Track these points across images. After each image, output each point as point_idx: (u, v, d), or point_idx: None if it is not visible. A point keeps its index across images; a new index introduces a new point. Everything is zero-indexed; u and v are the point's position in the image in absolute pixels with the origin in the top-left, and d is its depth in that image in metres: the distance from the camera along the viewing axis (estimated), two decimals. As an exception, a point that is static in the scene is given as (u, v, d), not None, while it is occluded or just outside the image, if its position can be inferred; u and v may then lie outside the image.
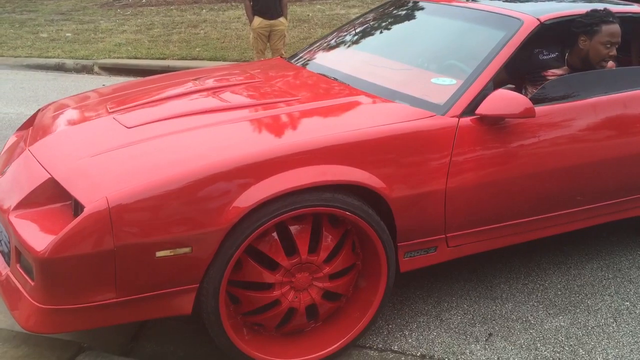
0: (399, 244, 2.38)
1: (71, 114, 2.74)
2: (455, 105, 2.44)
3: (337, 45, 3.40)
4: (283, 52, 6.35)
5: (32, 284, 1.96)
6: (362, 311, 2.38)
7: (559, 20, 2.79)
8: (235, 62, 7.57)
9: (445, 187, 2.36)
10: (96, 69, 8.00)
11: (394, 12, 3.43)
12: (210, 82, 2.96)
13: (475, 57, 2.62)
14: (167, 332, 2.53)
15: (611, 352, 2.41)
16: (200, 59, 8.15)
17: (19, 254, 2.04)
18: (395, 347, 2.44)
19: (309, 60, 3.26)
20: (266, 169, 2.05)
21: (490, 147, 2.45)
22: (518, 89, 3.00)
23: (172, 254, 1.97)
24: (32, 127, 2.72)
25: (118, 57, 8.29)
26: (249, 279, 2.16)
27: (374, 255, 2.33)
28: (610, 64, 2.93)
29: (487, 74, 2.52)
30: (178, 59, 8.16)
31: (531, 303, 2.73)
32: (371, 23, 3.44)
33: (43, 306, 1.94)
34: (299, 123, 2.47)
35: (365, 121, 2.38)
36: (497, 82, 2.86)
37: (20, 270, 2.03)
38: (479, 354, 2.40)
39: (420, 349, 2.43)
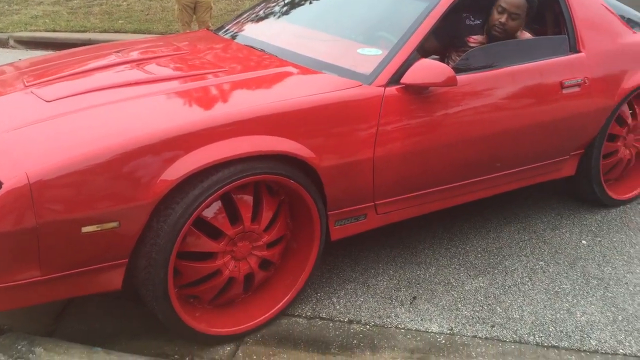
0: (329, 213, 2.44)
1: None
2: (380, 75, 2.48)
3: (264, 17, 3.36)
4: (210, 25, 6.22)
5: None
6: (293, 279, 2.44)
7: None
8: (161, 35, 7.36)
9: (373, 156, 2.42)
10: (12, 42, 7.60)
11: None
12: (134, 54, 2.88)
13: (399, 27, 2.67)
14: (93, 310, 2.48)
15: (526, 309, 2.55)
16: (123, 32, 7.87)
17: None
18: (324, 314, 2.50)
19: (236, 32, 3.22)
20: (194, 141, 2.03)
21: (416, 116, 2.51)
22: (445, 57, 3.08)
23: (99, 229, 1.94)
24: None
25: (35, 30, 7.90)
26: (193, 249, 2.16)
27: (306, 224, 2.38)
28: (527, 35, 3.04)
29: (410, 43, 2.57)
30: (100, 32, 7.86)
31: (453, 266, 2.85)
32: None
33: None
34: (227, 94, 2.44)
35: (293, 92, 2.40)
36: (429, 50, 2.94)
37: None
38: (403, 316, 2.49)
39: (348, 315, 2.49)
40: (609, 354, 2.31)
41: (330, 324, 2.44)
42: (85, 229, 1.92)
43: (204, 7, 6.12)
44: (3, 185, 1.84)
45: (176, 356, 2.25)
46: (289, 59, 2.70)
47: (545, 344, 2.35)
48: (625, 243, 3.07)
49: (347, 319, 2.47)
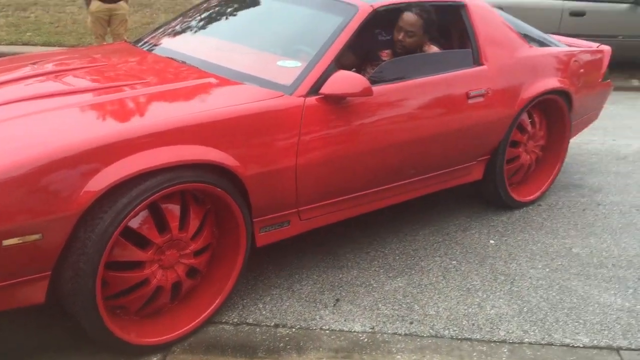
0: (254, 220, 2.52)
1: None
2: (300, 85, 2.59)
3: (184, 30, 3.39)
4: (125, 37, 6.14)
5: None
6: (220, 286, 2.49)
7: (391, 7, 3.07)
8: (75, 47, 7.17)
9: (295, 164, 2.51)
10: None
11: None
12: (51, 66, 2.84)
13: (317, 41, 2.80)
14: (8, 325, 2.42)
15: (441, 305, 2.72)
16: (32, 45, 7.59)
17: None
18: (250, 319, 2.55)
19: (155, 44, 3.23)
20: (118, 151, 2.04)
21: (335, 125, 2.64)
22: (361, 70, 3.22)
23: (20, 241, 1.91)
24: None
25: None
26: (121, 259, 2.16)
27: (232, 231, 2.45)
28: (434, 48, 3.25)
29: (328, 56, 2.70)
30: (6, 45, 7.54)
31: (373, 269, 2.98)
32: (217, 8, 3.46)
33: None
34: (151, 105, 2.47)
35: (217, 102, 2.47)
36: (346, 63, 3.08)
37: None
38: (327, 318, 2.59)
39: (274, 319, 2.56)
40: (515, 343, 2.50)
41: (257, 329, 2.50)
42: (6, 242, 1.89)
43: (119, 19, 6.03)
44: None
45: (102, 369, 2.23)
46: (210, 71, 2.75)
47: (459, 337, 2.52)
48: (528, 241, 3.32)
49: (273, 323, 2.54)
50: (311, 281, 2.85)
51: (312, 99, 2.58)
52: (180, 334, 2.37)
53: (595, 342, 2.52)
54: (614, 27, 6.84)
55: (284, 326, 2.53)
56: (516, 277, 2.96)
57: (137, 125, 2.19)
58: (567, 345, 2.49)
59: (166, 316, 2.39)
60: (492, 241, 3.30)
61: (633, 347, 2.49)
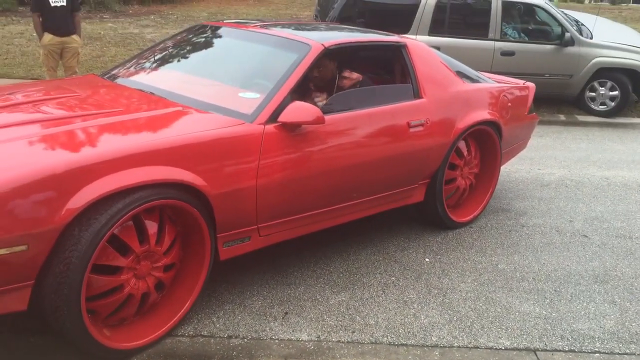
0: (218, 235, 2.77)
1: None
2: (260, 114, 2.88)
3: (151, 64, 3.66)
4: (77, 70, 6.29)
5: None
6: (183, 300, 2.74)
7: (340, 46, 3.43)
8: (24, 80, 7.25)
9: (255, 185, 2.79)
10: None
11: (202, 35, 3.86)
12: (31, 96, 3.05)
13: (275, 75, 3.11)
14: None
15: (380, 316, 2.99)
16: (-20, 76, 7.61)
17: None
18: (205, 332, 2.75)
19: (124, 76, 3.49)
20: (96, 172, 2.27)
21: (291, 150, 2.92)
22: (314, 102, 3.57)
23: (7, 252, 2.09)
24: None
25: None
26: (105, 262, 2.38)
27: (198, 248, 2.72)
28: (355, 74, 3.67)
29: (285, 88, 3.00)
30: (-46, 76, 7.54)
31: (319, 285, 3.23)
32: (182, 44, 3.80)
33: None
34: (126, 130, 2.68)
35: (186, 128, 2.73)
36: (305, 97, 3.46)
37: None
38: (277, 329, 2.81)
39: (227, 331, 2.77)
40: (446, 347, 2.79)
41: (212, 340, 2.70)
42: None
43: (71, 52, 6.17)
44: None
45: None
46: (177, 101, 3.00)
47: (396, 343, 2.79)
48: (460, 259, 3.65)
49: (226, 335, 2.75)
50: (261, 297, 3.08)
51: (270, 127, 2.86)
52: (146, 341, 2.58)
53: (515, 344, 2.83)
54: (541, 66, 7.42)
55: (236, 337, 2.74)
56: (448, 291, 3.26)
57: (114, 149, 2.40)
58: (491, 348, 2.79)
59: (131, 326, 2.60)
60: (427, 259, 3.61)
61: (548, 348, 2.82)
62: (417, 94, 3.64)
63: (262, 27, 3.68)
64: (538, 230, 4.15)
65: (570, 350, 2.81)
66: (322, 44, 3.27)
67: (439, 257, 3.66)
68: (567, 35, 7.36)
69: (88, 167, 2.25)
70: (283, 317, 2.91)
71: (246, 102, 2.96)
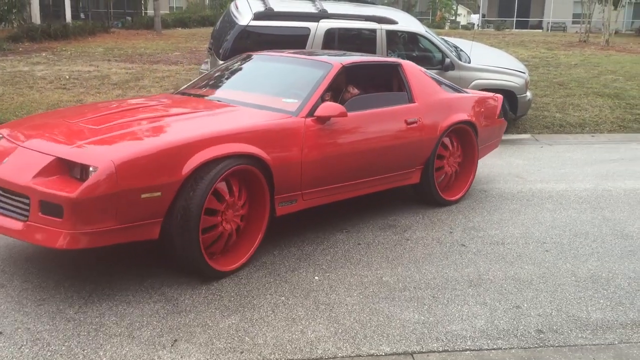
0: (275, 197, 3.93)
1: (42, 124, 3.88)
2: (302, 111, 4.15)
3: (211, 83, 4.98)
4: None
5: (61, 220, 3.09)
6: (251, 243, 3.88)
7: (354, 65, 4.79)
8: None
9: (300, 160, 3.98)
10: None
11: (248, 60, 5.20)
12: (153, 102, 4.48)
13: (308, 85, 4.39)
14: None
15: (269, 335, 3.10)
16: None
17: (42, 205, 3.13)
18: (91, 366, 2.75)
19: (194, 92, 4.78)
20: (200, 146, 3.46)
21: (324, 135, 4.15)
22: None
23: (150, 196, 3.25)
24: (10, 133, 3.72)
25: None
26: (209, 206, 3.50)
27: (261, 205, 3.88)
28: (355, 90, 4.95)
29: (317, 93, 4.31)
30: None
31: (210, 310, 3.30)
32: (233, 68, 5.15)
33: (74, 231, 3.09)
34: (214, 122, 3.90)
35: (252, 119, 3.96)
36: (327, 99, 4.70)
37: (45, 216, 3.13)
38: (165, 357, 2.86)
39: (115, 364, 2.78)
40: (330, 358, 2.93)
41: (98, 374, 2.70)
42: (143, 195, 3.23)
43: None
44: (100, 168, 3.12)
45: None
46: (242, 105, 4.24)
47: (283, 359, 2.90)
48: (347, 275, 3.83)
49: (113, 367, 2.76)
50: (150, 327, 3.11)
51: (309, 119, 4.12)
52: (231, 269, 3.73)
53: (394, 350, 3.02)
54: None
55: (124, 368, 2.75)
56: (335, 305, 3.43)
57: (209, 131, 3.60)
58: (372, 355, 2.97)
59: (218, 259, 3.71)
60: (316, 277, 3.77)
61: (424, 350, 3.03)
62: (411, 99, 4.95)
63: (294, 53, 5.12)
64: (421, 242, 4.43)
65: (444, 351, 3.03)
66: (341, 63, 4.60)
67: (328, 274, 3.83)
68: (447, 60, 7.91)
69: (195, 142, 3.45)
70: (172, 345, 2.96)
71: (289, 104, 4.21)
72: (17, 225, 3.23)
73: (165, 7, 34.12)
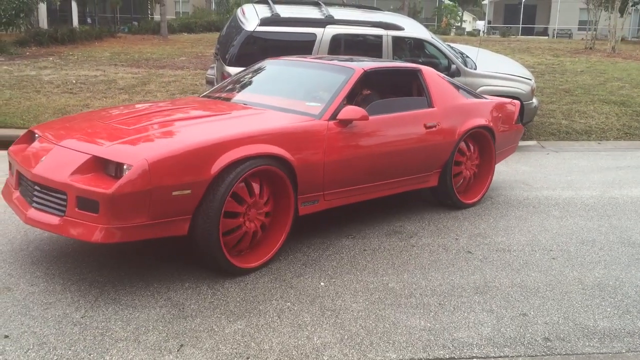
0: (299, 196, 4.05)
1: (76, 125, 4.03)
2: (325, 114, 4.26)
3: (236, 87, 5.14)
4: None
5: (97, 215, 3.22)
6: (276, 240, 4.01)
7: (375, 70, 4.90)
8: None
9: (323, 161, 4.11)
10: None
11: (273, 65, 5.32)
12: (181, 104, 4.60)
13: (331, 89, 4.51)
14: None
15: (275, 341, 3.09)
16: None
17: (78, 201, 3.27)
18: (98, 370, 2.75)
19: (219, 96, 4.94)
20: (228, 146, 3.59)
21: (346, 138, 4.27)
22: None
23: (180, 193, 3.39)
24: (46, 133, 3.86)
25: None
26: (229, 210, 3.66)
27: (286, 204, 4.01)
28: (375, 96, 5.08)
29: (340, 97, 4.41)
30: None
31: (216, 315, 3.30)
32: (257, 72, 5.29)
33: (109, 226, 3.23)
34: (240, 124, 3.96)
35: (277, 122, 4.07)
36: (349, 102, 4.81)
37: (81, 211, 3.27)
38: (172, 362, 2.86)
39: (121, 368, 2.78)
40: (337, 364, 2.93)
41: (104, 378, 2.70)
42: (174, 193, 3.36)
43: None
44: (134, 166, 3.24)
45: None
46: (267, 108, 4.36)
47: (289, 365, 2.90)
48: (353, 281, 3.83)
49: (119, 371, 2.76)
50: (157, 332, 3.11)
51: (332, 122, 4.23)
52: (256, 265, 3.85)
53: (401, 356, 3.01)
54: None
55: (130, 373, 2.75)
56: (340, 311, 3.42)
57: (236, 133, 3.71)
58: (379, 362, 2.96)
59: (244, 256, 3.85)
60: (322, 283, 3.77)
61: (430, 357, 3.02)
62: (430, 104, 5.06)
63: (316, 58, 5.32)
64: (427, 249, 4.42)
65: (451, 358, 3.02)
66: (363, 68, 4.71)
67: (334, 280, 3.82)
68: (453, 67, 7.90)
69: (224, 143, 3.59)
70: (178, 350, 2.96)
71: (313, 107, 4.34)
72: (54, 220, 3.37)
73: (171, 12, 34.31)
